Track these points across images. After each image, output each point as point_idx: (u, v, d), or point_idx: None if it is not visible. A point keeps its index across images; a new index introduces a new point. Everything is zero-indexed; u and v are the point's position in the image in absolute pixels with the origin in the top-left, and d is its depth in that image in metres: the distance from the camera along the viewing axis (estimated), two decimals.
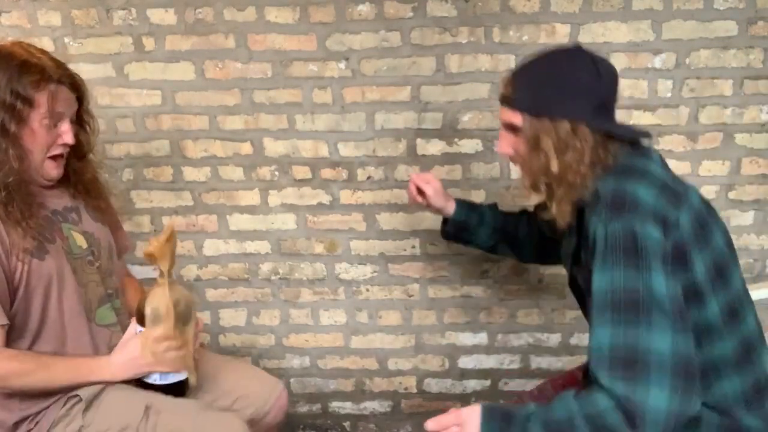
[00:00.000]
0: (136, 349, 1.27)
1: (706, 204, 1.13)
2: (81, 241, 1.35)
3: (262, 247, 2.00)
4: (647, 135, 1.15)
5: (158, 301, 1.27)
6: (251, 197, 1.95)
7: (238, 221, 1.98)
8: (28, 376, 1.22)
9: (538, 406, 1.05)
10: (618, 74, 1.15)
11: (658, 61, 1.79)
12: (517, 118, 1.13)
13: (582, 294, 1.20)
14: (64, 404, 1.28)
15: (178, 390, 1.34)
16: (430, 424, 1.11)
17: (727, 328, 1.06)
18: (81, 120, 1.37)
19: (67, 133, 1.28)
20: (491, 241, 1.57)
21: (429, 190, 1.51)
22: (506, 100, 1.15)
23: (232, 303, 2.05)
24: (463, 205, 1.56)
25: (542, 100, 1.10)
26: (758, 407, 1.07)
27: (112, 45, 1.84)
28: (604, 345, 0.98)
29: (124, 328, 1.36)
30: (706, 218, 1.09)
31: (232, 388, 1.46)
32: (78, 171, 1.39)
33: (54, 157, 1.29)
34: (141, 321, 1.29)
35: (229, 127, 1.89)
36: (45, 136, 1.25)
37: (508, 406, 1.09)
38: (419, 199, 1.54)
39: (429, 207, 1.56)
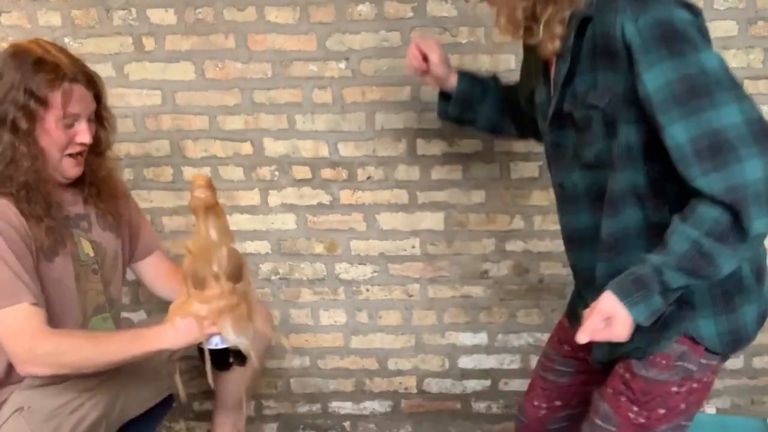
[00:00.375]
0: (195, 310, 1.19)
1: None
2: (89, 249, 1.34)
3: (262, 247, 2.00)
4: None
5: (210, 259, 1.19)
6: (251, 197, 1.95)
7: (238, 221, 1.98)
8: (81, 351, 1.17)
9: (657, 253, 0.98)
10: None
11: None
12: None
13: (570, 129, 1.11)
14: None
15: (240, 356, 1.27)
16: (581, 336, 1.01)
17: None
18: (99, 117, 1.34)
19: (83, 133, 1.26)
20: (495, 115, 1.43)
21: (434, 57, 1.35)
22: None
23: None
24: (465, 75, 1.41)
25: None
26: None
27: (112, 45, 1.84)
28: (682, 142, 0.93)
29: None
30: None
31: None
32: (93, 168, 1.36)
33: (72, 155, 1.28)
34: (194, 284, 1.22)
35: (229, 127, 1.89)
36: (61, 136, 1.23)
37: (631, 273, 1.00)
38: (421, 64, 1.38)
39: (428, 76, 1.41)
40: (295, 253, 2.00)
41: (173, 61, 1.85)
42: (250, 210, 1.97)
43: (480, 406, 2.09)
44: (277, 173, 1.93)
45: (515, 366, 2.07)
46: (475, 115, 1.44)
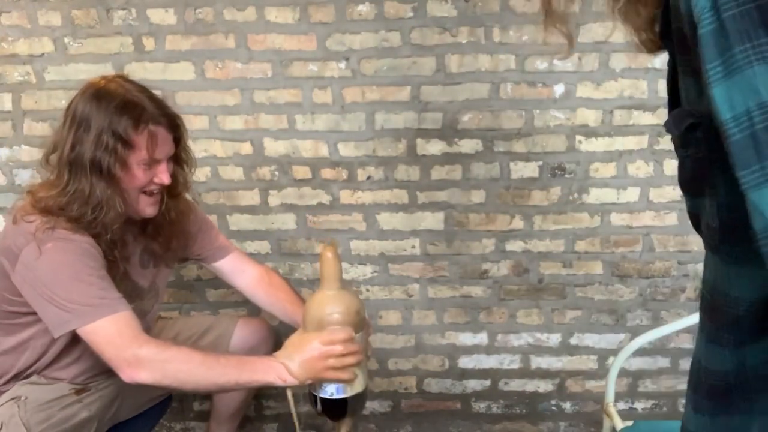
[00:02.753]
0: (317, 350, 1.17)
1: None
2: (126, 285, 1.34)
3: (262, 247, 2.00)
4: None
5: (337, 304, 1.21)
6: (251, 197, 1.95)
7: (238, 221, 1.98)
8: (186, 362, 1.15)
9: None
10: None
11: (658, 62, 1.79)
12: None
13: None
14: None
15: (355, 404, 1.26)
16: None
17: None
18: (178, 158, 1.34)
19: (163, 174, 1.26)
20: None
21: None
22: None
23: (233, 303, 2.05)
24: None
25: None
26: None
27: (112, 45, 1.84)
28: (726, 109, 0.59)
29: None
30: None
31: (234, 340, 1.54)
32: (164, 209, 1.35)
33: (148, 193, 1.27)
34: (317, 325, 1.22)
35: (229, 127, 1.89)
36: (141, 177, 1.23)
37: None
38: None
39: None
40: (295, 253, 2.00)
41: (173, 61, 1.85)
42: (250, 210, 1.97)
43: (480, 406, 2.09)
44: (277, 173, 1.93)
45: (515, 366, 2.07)
46: None
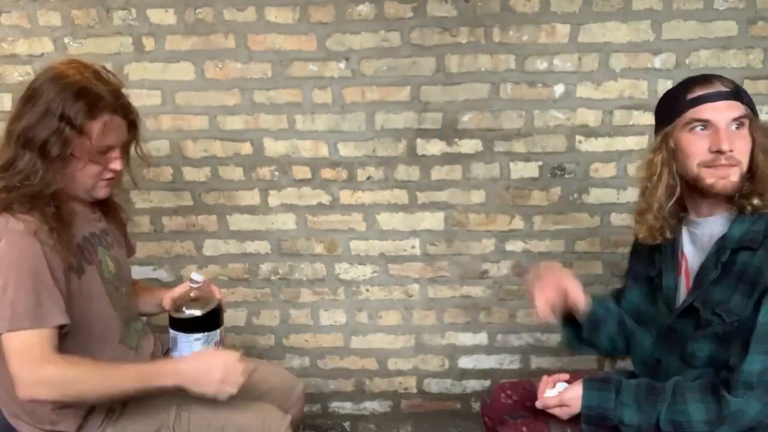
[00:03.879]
0: (219, 372, 1.20)
1: None
2: (111, 266, 1.33)
3: (262, 247, 2.00)
4: None
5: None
6: (251, 197, 1.95)
7: (238, 221, 1.98)
8: (87, 381, 1.16)
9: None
10: None
11: (658, 61, 1.79)
12: (744, 110, 1.15)
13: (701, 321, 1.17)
14: (102, 420, 1.26)
15: None
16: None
17: None
18: (129, 145, 1.34)
19: (116, 160, 1.26)
20: (617, 334, 1.36)
21: (575, 291, 1.26)
22: (733, 95, 1.15)
23: (232, 303, 2.05)
24: (594, 297, 1.32)
25: (752, 102, 1.18)
26: None
27: (112, 45, 1.84)
28: (754, 372, 1.06)
29: (140, 351, 1.37)
30: None
31: (257, 384, 1.44)
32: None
33: (105, 179, 1.28)
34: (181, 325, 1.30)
35: (229, 127, 1.89)
36: (94, 165, 1.23)
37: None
38: (550, 312, 1.25)
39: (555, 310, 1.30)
40: (295, 253, 2.00)
41: (173, 61, 1.85)
42: (250, 210, 1.96)
43: (480, 406, 2.09)
44: (277, 173, 1.93)
45: (515, 366, 2.07)
46: (601, 336, 1.36)
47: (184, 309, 1.33)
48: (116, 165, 1.26)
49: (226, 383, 1.20)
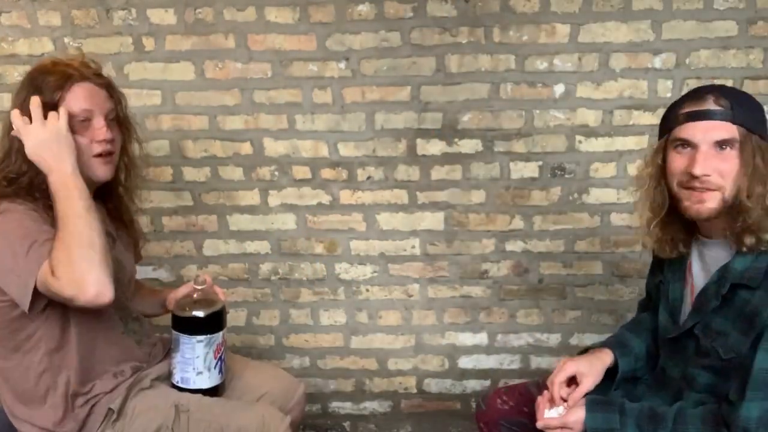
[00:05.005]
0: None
1: None
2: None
3: (262, 247, 2.00)
4: None
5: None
6: (251, 197, 1.95)
7: (238, 221, 1.98)
8: (81, 232, 1.12)
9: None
10: None
11: (658, 61, 1.79)
12: (733, 132, 1.08)
13: (690, 349, 1.17)
14: (102, 421, 1.26)
15: (213, 393, 1.35)
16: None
17: None
18: (117, 117, 1.33)
19: (101, 129, 1.25)
20: (639, 367, 1.35)
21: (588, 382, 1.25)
22: (722, 114, 1.08)
23: (232, 303, 2.05)
24: (618, 352, 1.31)
25: (758, 118, 1.10)
26: None
27: (112, 45, 1.84)
28: (753, 418, 1.04)
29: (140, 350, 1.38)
30: None
31: (257, 386, 1.46)
32: (115, 186, 1.37)
33: (100, 156, 1.26)
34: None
35: (229, 127, 1.89)
36: (80, 135, 1.23)
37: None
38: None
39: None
40: (295, 253, 2.00)
41: (173, 61, 1.85)
42: (250, 210, 1.97)
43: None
44: (277, 173, 1.93)
45: (515, 366, 2.07)
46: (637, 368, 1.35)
47: (187, 310, 1.33)
48: (101, 134, 1.25)
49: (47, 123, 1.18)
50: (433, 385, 2.11)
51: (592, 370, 1.25)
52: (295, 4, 1.79)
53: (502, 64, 1.81)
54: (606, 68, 1.81)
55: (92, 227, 1.14)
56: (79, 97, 1.22)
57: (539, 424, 1.20)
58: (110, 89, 1.31)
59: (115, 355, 1.32)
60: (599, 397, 1.20)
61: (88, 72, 1.26)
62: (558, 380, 1.23)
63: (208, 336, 1.31)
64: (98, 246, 1.13)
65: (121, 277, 1.35)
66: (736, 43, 1.77)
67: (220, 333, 1.34)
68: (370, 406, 2.14)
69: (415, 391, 2.11)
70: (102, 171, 1.28)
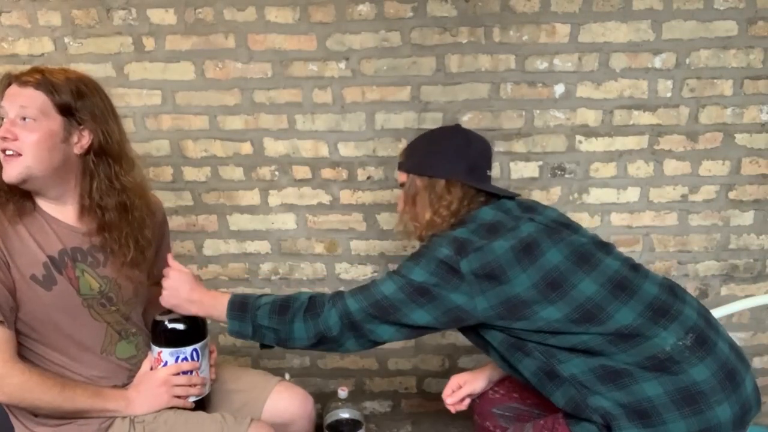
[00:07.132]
0: (162, 380, 1.28)
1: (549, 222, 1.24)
2: (93, 284, 1.28)
3: (262, 247, 2.00)
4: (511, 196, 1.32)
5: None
6: (251, 197, 1.96)
7: (238, 221, 1.98)
8: (47, 393, 1.17)
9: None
10: (490, 146, 1.36)
11: (658, 61, 1.79)
12: (403, 178, 1.35)
13: None
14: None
15: (198, 406, 1.34)
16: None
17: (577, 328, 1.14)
18: (76, 119, 1.23)
19: (4, 126, 1.19)
20: None
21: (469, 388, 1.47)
22: (399, 165, 1.37)
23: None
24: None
25: (423, 163, 1.32)
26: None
27: (112, 45, 1.84)
28: (353, 310, 1.24)
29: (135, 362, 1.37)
30: (537, 239, 1.17)
31: (278, 413, 1.47)
32: (99, 195, 1.27)
33: (4, 153, 1.20)
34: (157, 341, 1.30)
35: (229, 127, 1.89)
36: None
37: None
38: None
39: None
40: (295, 253, 2.00)
41: (173, 61, 1.85)
42: (250, 210, 1.97)
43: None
44: (277, 173, 1.93)
45: None
46: None
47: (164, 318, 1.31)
48: (2, 131, 1.18)
49: (169, 395, 1.27)
50: (433, 385, 2.11)
51: (474, 375, 1.48)
52: (295, 4, 1.79)
53: (502, 64, 1.81)
54: (606, 68, 1.81)
55: (65, 413, 1.21)
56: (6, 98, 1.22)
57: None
58: (48, 87, 1.21)
59: (95, 373, 1.30)
60: (238, 301, 1.32)
61: (31, 76, 1.21)
62: (444, 395, 1.47)
63: (175, 349, 1.30)
64: (43, 410, 1.20)
65: (113, 296, 1.32)
66: (736, 43, 1.77)
67: (190, 348, 1.32)
68: (370, 406, 2.14)
69: (415, 391, 2.11)
70: (5, 170, 1.21)
